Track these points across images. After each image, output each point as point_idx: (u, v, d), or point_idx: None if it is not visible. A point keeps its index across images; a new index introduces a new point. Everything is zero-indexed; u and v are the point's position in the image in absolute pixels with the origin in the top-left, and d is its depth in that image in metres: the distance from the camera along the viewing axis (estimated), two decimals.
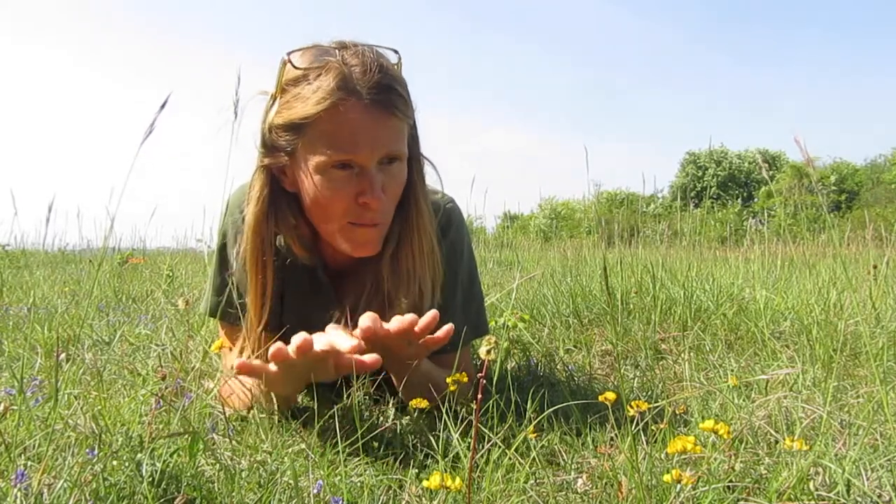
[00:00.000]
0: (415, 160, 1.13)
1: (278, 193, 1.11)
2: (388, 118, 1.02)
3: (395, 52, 1.08)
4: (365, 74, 1.00)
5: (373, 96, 1.00)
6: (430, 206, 1.16)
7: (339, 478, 0.83)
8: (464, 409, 1.04)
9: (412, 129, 1.11)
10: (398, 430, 1.04)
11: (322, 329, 1.04)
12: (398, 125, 1.04)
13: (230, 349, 1.19)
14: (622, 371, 1.59)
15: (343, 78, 0.99)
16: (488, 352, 0.71)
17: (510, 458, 0.87)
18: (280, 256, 1.14)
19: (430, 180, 1.20)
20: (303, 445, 0.95)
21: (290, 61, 1.03)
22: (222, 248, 1.20)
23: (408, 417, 1.09)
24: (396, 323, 0.97)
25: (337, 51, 1.02)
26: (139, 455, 0.76)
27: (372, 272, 1.15)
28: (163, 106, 0.92)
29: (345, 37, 1.06)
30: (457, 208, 1.26)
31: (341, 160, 1.01)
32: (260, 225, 1.10)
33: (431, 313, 0.98)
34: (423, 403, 1.02)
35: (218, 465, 0.83)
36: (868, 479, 0.82)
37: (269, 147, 1.07)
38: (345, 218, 1.06)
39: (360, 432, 0.95)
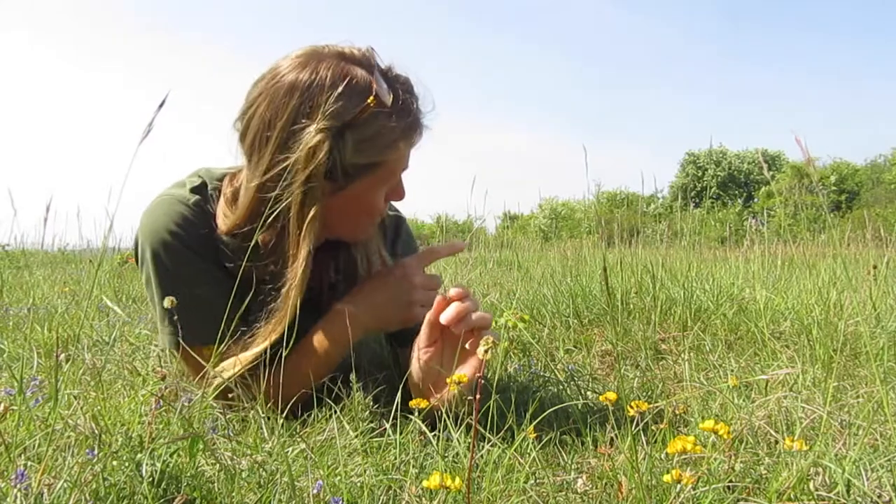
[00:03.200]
0: None
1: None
2: None
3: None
4: (420, 111, 1.09)
5: (424, 129, 1.10)
6: None
7: (339, 478, 0.83)
8: (463, 410, 1.04)
9: None
10: (398, 430, 1.03)
11: None
12: None
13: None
14: (622, 371, 1.59)
15: (416, 120, 1.07)
16: (486, 351, 0.71)
17: (510, 458, 0.87)
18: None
19: None
20: (303, 445, 0.95)
21: (377, 96, 1.00)
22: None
23: (408, 418, 1.09)
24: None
25: (399, 87, 1.06)
26: (139, 455, 0.76)
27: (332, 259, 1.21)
28: (161, 105, 0.92)
29: (347, 45, 1.07)
30: (402, 215, 1.36)
31: (398, 181, 1.12)
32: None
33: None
34: (423, 403, 1.02)
35: (218, 465, 0.83)
36: (868, 479, 0.81)
37: (334, 179, 1.02)
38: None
39: (359, 432, 0.95)
